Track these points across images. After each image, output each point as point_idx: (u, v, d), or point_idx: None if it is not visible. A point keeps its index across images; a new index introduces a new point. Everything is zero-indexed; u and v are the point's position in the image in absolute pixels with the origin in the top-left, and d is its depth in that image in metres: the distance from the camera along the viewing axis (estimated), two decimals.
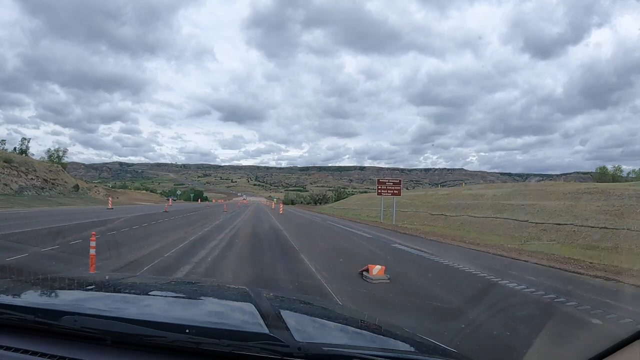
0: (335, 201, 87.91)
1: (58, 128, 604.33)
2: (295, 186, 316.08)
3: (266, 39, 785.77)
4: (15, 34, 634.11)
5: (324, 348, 1.11)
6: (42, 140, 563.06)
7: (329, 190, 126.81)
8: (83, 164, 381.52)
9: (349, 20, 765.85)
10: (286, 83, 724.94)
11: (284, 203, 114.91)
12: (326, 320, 1.70)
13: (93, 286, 1.88)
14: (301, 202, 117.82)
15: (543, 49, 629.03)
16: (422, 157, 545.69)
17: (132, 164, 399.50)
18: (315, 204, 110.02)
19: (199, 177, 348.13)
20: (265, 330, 1.18)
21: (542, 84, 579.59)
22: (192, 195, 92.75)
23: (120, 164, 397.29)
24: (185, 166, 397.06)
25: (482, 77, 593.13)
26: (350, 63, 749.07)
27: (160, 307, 1.59)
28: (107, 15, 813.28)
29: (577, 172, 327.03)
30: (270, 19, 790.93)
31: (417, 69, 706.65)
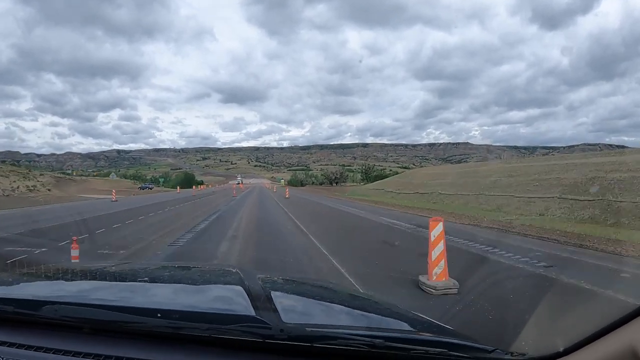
0: (368, 181, 66.73)
1: (56, 119, 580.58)
2: (297, 166, 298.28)
3: (267, 16, 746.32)
4: (7, 24, 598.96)
5: (307, 329, 1.04)
6: (40, 132, 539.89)
7: (348, 168, 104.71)
8: (79, 154, 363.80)
9: None
10: (288, 61, 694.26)
11: (292, 185, 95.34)
12: (320, 300, 1.55)
13: (74, 275, 1.74)
14: (312, 183, 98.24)
15: (552, 19, 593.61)
16: (424, 133, 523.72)
17: (130, 151, 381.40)
18: (331, 184, 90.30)
19: (197, 160, 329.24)
20: (250, 313, 1.10)
21: (548, 56, 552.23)
22: (161, 180, 70.79)
23: (118, 151, 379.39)
24: (183, 150, 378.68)
25: (488, 49, 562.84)
26: (354, 38, 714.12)
27: (142, 293, 1.49)
28: None
29: (585, 144, 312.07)
30: None
31: (422, 42, 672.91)
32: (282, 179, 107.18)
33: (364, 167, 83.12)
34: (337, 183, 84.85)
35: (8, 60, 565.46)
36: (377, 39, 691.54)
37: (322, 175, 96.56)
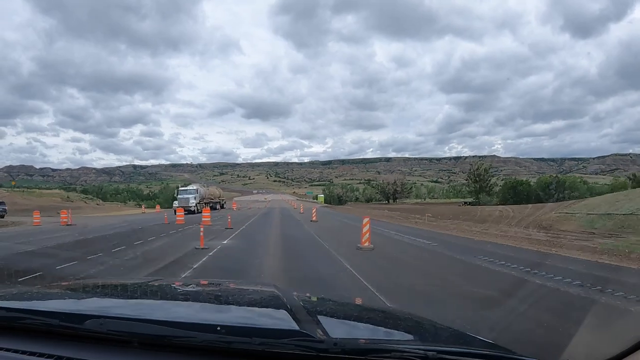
0: (494, 197, 41.75)
1: (78, 134, 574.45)
2: (319, 181, 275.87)
3: (294, 27, 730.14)
4: (28, 36, 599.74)
5: (360, 341, 1.05)
6: (62, 148, 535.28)
7: (403, 181, 73.72)
8: (94, 169, 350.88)
9: (382, 3, 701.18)
10: (313, 75, 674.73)
11: (326, 202, 71.92)
12: (360, 316, 1.58)
13: (119, 290, 1.81)
14: (356, 200, 74.50)
15: (583, 27, 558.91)
16: (447, 147, 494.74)
17: (146, 166, 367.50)
18: (388, 201, 66.58)
19: (214, 175, 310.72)
20: (298, 327, 1.08)
21: (577, 65, 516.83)
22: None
23: (134, 166, 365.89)
24: (201, 166, 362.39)
25: (517, 59, 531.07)
26: (382, 50, 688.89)
27: (188, 309, 1.52)
28: (126, 8, 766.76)
29: (615, 155, 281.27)
30: (299, 4, 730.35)
31: (451, 53, 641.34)
32: (314, 193, 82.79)
33: (473, 172, 49.82)
34: (395, 199, 61.54)
35: (29, 73, 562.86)
36: (405, 51, 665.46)
37: (373, 187, 72.38)
